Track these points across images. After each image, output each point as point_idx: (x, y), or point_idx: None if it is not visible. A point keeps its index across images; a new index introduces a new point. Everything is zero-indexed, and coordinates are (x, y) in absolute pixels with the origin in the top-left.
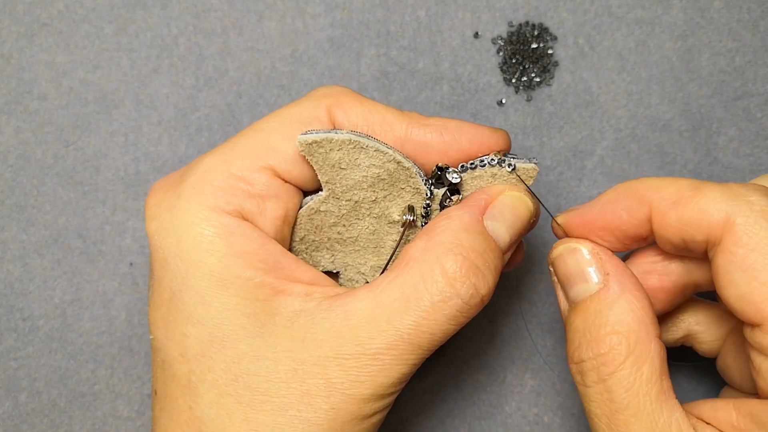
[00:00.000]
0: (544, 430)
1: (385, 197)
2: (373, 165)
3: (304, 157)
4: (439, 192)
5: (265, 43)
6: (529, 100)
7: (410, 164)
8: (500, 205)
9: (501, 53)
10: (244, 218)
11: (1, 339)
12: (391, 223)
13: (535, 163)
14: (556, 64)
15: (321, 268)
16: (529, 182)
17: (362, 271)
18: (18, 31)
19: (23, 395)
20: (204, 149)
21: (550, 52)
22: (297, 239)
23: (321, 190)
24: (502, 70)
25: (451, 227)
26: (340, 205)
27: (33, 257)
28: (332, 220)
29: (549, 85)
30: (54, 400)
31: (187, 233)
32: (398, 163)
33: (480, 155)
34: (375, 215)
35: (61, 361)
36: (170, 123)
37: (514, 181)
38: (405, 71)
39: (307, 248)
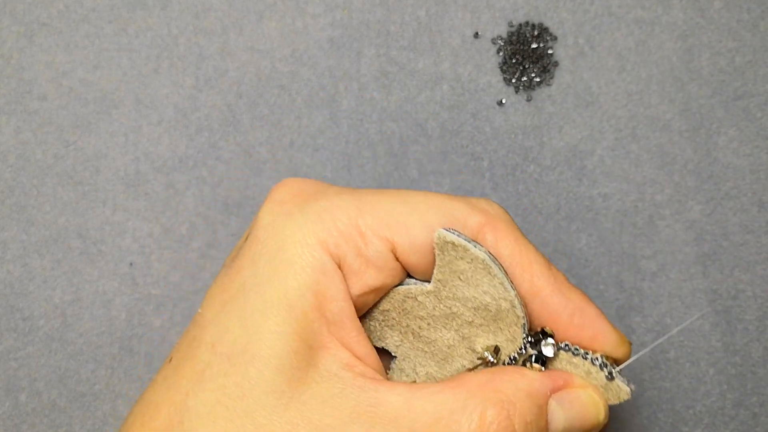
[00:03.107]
0: None
1: (480, 325)
2: (489, 294)
3: (433, 248)
4: (531, 351)
5: (265, 43)
6: (529, 100)
7: (522, 314)
8: (574, 395)
9: (501, 53)
10: (341, 268)
11: (1, 339)
12: (470, 349)
13: (631, 389)
14: (556, 64)
15: (382, 344)
16: (615, 401)
17: (417, 371)
18: (18, 31)
19: (23, 395)
20: (204, 149)
21: (550, 52)
22: (380, 309)
23: (428, 280)
24: (502, 70)
25: (516, 384)
26: (437, 307)
27: (33, 257)
28: (422, 314)
29: (549, 85)
30: (54, 400)
31: (289, 249)
32: (513, 308)
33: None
34: (461, 335)
35: (61, 361)
36: (170, 123)
37: (602, 386)
38: (405, 71)
39: (383, 320)
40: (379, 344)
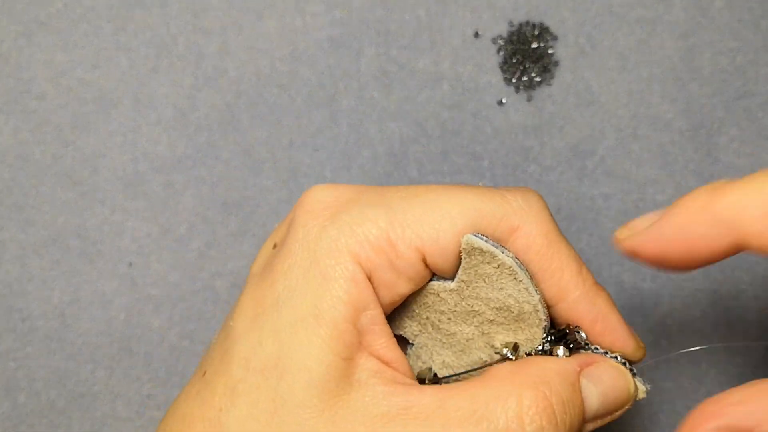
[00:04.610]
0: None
1: (500, 324)
2: (513, 297)
3: (460, 252)
4: (550, 348)
5: (264, 43)
6: (529, 99)
7: (544, 317)
8: (602, 369)
9: (501, 53)
10: (371, 280)
11: None
12: (489, 345)
13: (646, 389)
14: (556, 63)
15: (400, 332)
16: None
17: (434, 359)
18: (16, 30)
19: (22, 396)
20: (203, 149)
21: (550, 51)
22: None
23: (450, 278)
24: (502, 69)
25: (545, 364)
26: (459, 304)
27: (31, 257)
28: (442, 308)
29: (549, 84)
30: (53, 401)
31: (322, 261)
32: (536, 311)
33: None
34: (481, 330)
35: (59, 361)
36: (169, 123)
37: None
38: (405, 70)
39: (403, 311)
40: (397, 332)
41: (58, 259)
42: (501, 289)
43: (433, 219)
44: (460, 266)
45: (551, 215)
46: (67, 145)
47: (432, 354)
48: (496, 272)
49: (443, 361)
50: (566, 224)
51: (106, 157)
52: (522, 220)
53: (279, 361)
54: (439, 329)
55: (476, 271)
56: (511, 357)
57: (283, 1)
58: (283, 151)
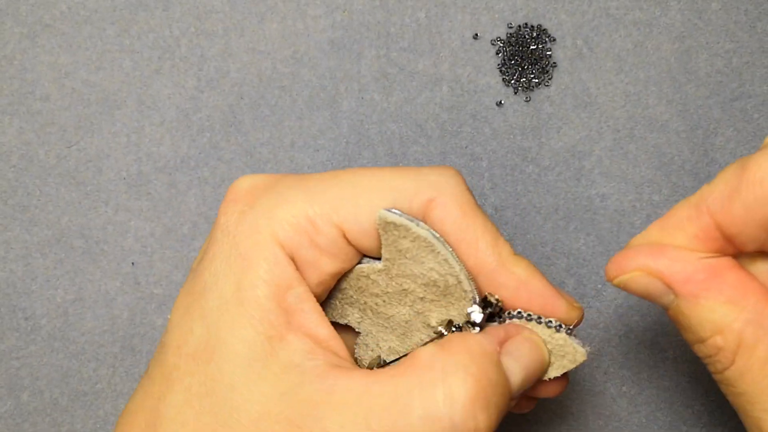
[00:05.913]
0: (545, 429)
1: (432, 301)
2: (435, 270)
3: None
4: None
5: (266, 45)
6: (527, 101)
7: (470, 288)
8: (519, 343)
9: (500, 54)
10: (296, 259)
11: (3, 338)
12: (426, 324)
13: (586, 350)
14: (554, 65)
15: (345, 321)
16: (571, 365)
17: (380, 345)
18: (21, 33)
19: (25, 394)
20: (206, 150)
21: (548, 53)
22: (338, 287)
23: (380, 258)
24: (501, 71)
25: (468, 345)
26: (389, 284)
27: (35, 257)
28: (376, 291)
29: (548, 86)
30: (56, 399)
31: (242, 245)
32: (459, 282)
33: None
34: (416, 310)
35: (63, 360)
36: (172, 124)
37: (559, 351)
38: (405, 72)
39: (342, 298)
40: (342, 321)
41: (62, 259)
42: (422, 263)
43: (350, 196)
44: (382, 244)
45: (467, 189)
46: (71, 146)
47: (378, 341)
48: (413, 246)
49: (389, 347)
50: (564, 224)
51: (109, 158)
52: (437, 192)
53: (208, 344)
54: (378, 313)
55: (396, 247)
56: (447, 334)
57: (285, 4)
58: (285, 151)
